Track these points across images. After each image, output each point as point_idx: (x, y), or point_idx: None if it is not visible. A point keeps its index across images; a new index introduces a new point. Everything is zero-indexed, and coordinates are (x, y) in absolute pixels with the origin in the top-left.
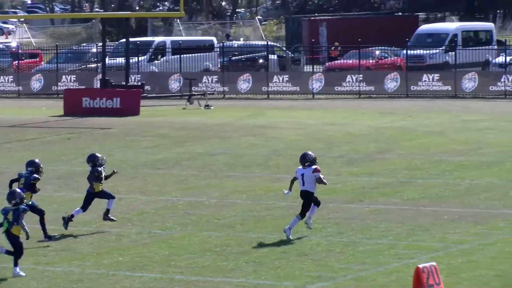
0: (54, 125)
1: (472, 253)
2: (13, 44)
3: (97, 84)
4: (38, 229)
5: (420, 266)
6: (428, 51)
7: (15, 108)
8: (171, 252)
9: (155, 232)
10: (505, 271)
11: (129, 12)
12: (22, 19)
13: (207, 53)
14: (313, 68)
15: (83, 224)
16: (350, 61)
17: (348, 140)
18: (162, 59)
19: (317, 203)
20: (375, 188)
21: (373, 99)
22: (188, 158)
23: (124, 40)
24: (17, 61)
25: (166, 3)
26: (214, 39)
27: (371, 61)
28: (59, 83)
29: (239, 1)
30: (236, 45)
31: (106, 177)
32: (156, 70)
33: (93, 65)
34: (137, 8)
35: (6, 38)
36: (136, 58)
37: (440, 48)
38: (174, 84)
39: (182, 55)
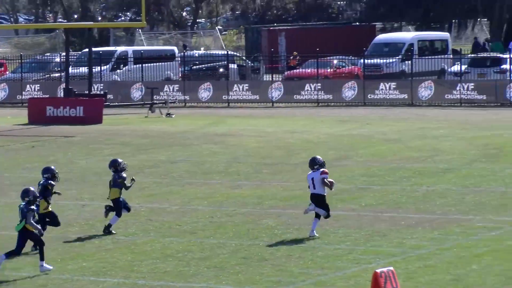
0: (19, 133)
1: (429, 258)
2: None
3: (60, 93)
4: (5, 236)
5: (378, 270)
6: (385, 60)
7: None
8: (134, 258)
9: (118, 238)
10: (461, 276)
11: (92, 23)
12: None
13: (169, 63)
14: (272, 77)
15: (48, 231)
16: (309, 70)
17: (307, 148)
18: (124, 69)
19: (326, 215)
20: (334, 195)
21: (331, 107)
22: (150, 165)
23: (87, 50)
24: None
25: (128, 13)
26: (175, 48)
27: (329, 70)
28: (23, 92)
29: (200, 12)
30: (197, 55)
31: (127, 187)
32: (119, 79)
33: (56, 75)
34: (99, 18)
35: None
36: (99, 67)
37: (397, 57)
38: (136, 93)
39: (144, 65)
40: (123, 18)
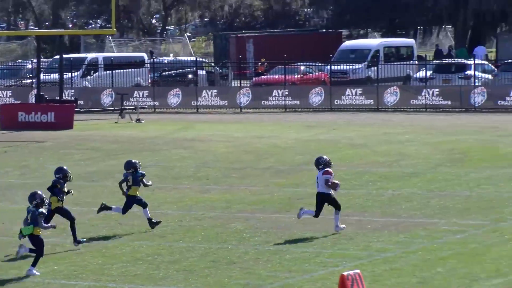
0: None
1: (395, 261)
2: None
3: (32, 99)
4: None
5: (345, 273)
6: (351, 67)
7: None
8: (105, 261)
9: (89, 242)
10: (426, 278)
11: (63, 30)
12: None
13: (138, 69)
14: (240, 83)
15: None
16: (276, 76)
17: (275, 152)
18: (94, 75)
19: (337, 207)
20: (301, 199)
21: (299, 113)
22: (120, 170)
23: (58, 56)
24: None
25: (98, 20)
26: (145, 55)
27: (296, 76)
28: None
29: (169, 19)
30: (166, 61)
31: (146, 185)
32: (89, 86)
33: (28, 81)
34: (70, 25)
35: None
36: (70, 74)
37: (363, 64)
38: (106, 98)
39: (114, 71)
40: (93, 25)
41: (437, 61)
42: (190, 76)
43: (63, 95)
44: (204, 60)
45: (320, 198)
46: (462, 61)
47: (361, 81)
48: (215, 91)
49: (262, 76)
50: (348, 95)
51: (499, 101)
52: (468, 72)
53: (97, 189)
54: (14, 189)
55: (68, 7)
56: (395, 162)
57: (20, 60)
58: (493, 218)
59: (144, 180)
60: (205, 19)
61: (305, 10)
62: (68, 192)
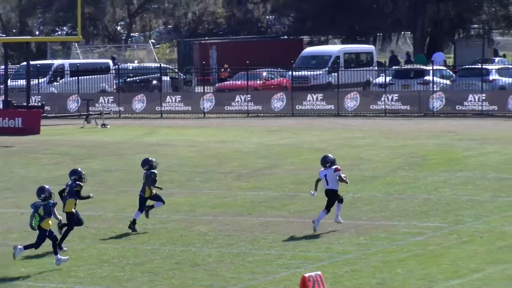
0: None
1: (355, 262)
2: None
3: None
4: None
5: (306, 275)
6: (312, 72)
7: None
8: (71, 263)
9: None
10: (386, 279)
11: (30, 37)
12: None
13: (104, 75)
14: (204, 88)
15: None
16: (239, 82)
17: (237, 157)
18: (61, 81)
19: (340, 200)
20: (264, 202)
21: (261, 117)
22: (86, 174)
23: (25, 63)
24: None
25: (64, 28)
26: (110, 61)
27: (258, 82)
28: None
29: (134, 26)
30: (131, 67)
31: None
32: (56, 92)
33: None
34: (37, 33)
35: None
36: (37, 80)
37: (324, 70)
38: (73, 104)
39: (79, 77)
40: (59, 32)
41: (396, 67)
42: (154, 82)
43: (30, 101)
44: (168, 66)
45: (331, 194)
46: (421, 67)
47: (322, 87)
48: (179, 96)
49: (225, 82)
50: (309, 100)
51: (457, 106)
52: (426, 78)
53: None
54: None
55: (34, 14)
56: (355, 166)
57: None
58: (451, 221)
59: (156, 178)
60: (169, 26)
61: (267, 17)
62: (88, 196)
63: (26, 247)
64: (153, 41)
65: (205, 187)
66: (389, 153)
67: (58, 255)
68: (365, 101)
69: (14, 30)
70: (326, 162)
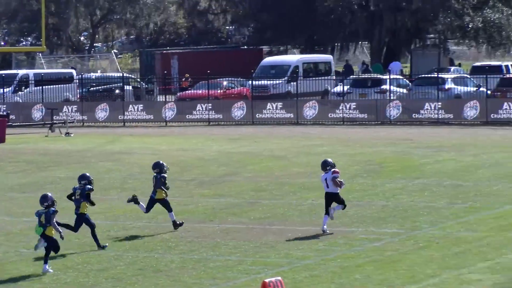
0: None
1: (315, 268)
2: None
3: None
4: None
5: (267, 280)
6: (271, 82)
7: None
8: (36, 270)
9: (21, 251)
10: (344, 285)
11: None
12: None
13: (67, 85)
14: (165, 98)
15: None
16: (200, 91)
17: (199, 164)
18: (25, 90)
19: (343, 204)
20: (225, 209)
21: (222, 126)
22: (51, 182)
23: None
24: None
25: (29, 38)
26: (73, 71)
27: (219, 91)
28: None
29: (97, 36)
30: (94, 77)
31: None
32: (20, 101)
33: None
34: (2, 43)
35: None
36: (2, 89)
37: (283, 79)
38: (37, 113)
39: (44, 87)
40: (24, 42)
41: (354, 76)
42: (117, 91)
43: None
44: (130, 75)
45: (330, 197)
46: (378, 76)
47: (281, 96)
48: (141, 105)
49: (187, 91)
50: (269, 109)
51: (414, 114)
52: (383, 87)
53: (29, 201)
54: None
55: None
56: (314, 173)
57: None
58: (408, 227)
59: (166, 182)
60: (131, 37)
61: (227, 27)
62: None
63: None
64: (115, 51)
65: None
66: (347, 160)
67: (47, 265)
68: (323, 110)
69: None
70: (327, 166)
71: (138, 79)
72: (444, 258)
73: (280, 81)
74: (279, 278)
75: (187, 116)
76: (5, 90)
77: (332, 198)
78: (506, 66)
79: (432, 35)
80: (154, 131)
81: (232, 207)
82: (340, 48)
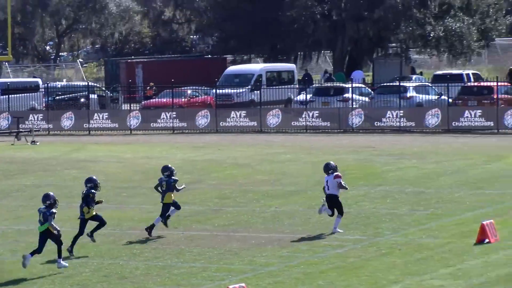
0: None
1: (278, 274)
2: None
3: None
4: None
5: (231, 287)
6: (235, 90)
7: None
8: (2, 276)
9: None
10: None
11: None
12: None
13: (33, 93)
14: (130, 106)
15: None
16: (165, 100)
17: None
18: None
19: (340, 211)
20: (189, 216)
21: (186, 134)
22: (17, 189)
23: None
24: None
25: None
26: (39, 80)
27: (183, 99)
28: None
29: (62, 46)
30: (59, 86)
31: (178, 190)
32: None
33: None
34: None
35: None
36: None
37: (247, 87)
38: (3, 122)
39: (10, 95)
40: None
41: (317, 85)
42: (82, 100)
43: None
44: (95, 84)
45: (331, 199)
46: (341, 84)
47: (245, 104)
48: (106, 114)
49: (151, 100)
50: (233, 117)
51: (376, 122)
52: (346, 95)
53: None
54: None
55: None
56: (277, 181)
57: None
58: (370, 234)
59: (176, 185)
60: (97, 46)
61: (192, 37)
62: (99, 201)
63: (59, 256)
64: (81, 60)
65: (132, 202)
66: (310, 168)
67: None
68: (286, 118)
69: None
70: (329, 169)
71: (103, 88)
72: (407, 264)
73: (244, 90)
74: (243, 284)
75: (151, 124)
76: None
77: (332, 200)
78: (467, 75)
79: (394, 44)
80: (119, 139)
81: (196, 214)
82: (303, 57)
